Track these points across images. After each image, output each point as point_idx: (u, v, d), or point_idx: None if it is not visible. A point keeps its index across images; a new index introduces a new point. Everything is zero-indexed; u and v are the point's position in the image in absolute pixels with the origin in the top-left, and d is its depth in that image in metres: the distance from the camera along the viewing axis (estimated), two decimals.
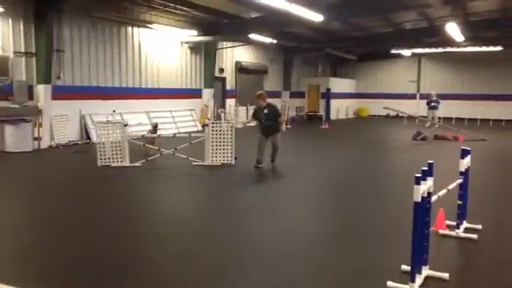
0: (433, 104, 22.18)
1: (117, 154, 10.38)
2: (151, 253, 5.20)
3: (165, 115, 17.67)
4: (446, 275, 4.43)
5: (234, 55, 22.11)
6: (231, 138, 10.75)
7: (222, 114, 20.10)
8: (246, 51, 23.02)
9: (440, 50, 25.01)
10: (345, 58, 28.89)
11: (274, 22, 17.31)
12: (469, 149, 5.79)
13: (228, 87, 21.98)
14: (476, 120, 25.36)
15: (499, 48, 23.80)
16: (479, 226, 5.95)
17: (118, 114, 15.36)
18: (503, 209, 7.46)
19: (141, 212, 7.03)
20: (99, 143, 10.43)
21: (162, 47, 18.13)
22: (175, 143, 11.06)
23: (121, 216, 6.73)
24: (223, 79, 21.61)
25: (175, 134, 12.97)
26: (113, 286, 4.34)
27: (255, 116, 10.76)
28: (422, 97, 27.09)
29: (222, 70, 21.23)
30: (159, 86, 18.12)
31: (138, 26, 16.88)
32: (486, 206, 7.42)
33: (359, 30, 22.45)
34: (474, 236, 5.64)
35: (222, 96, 21.56)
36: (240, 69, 22.53)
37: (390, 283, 4.19)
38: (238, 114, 21.59)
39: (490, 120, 25.50)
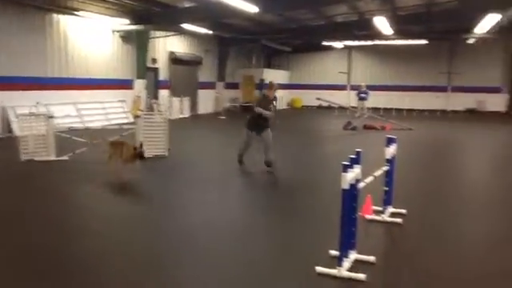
0: (362, 95, 22.97)
1: (41, 148, 9.87)
2: (87, 247, 5.02)
3: (95, 106, 17.04)
4: (372, 258, 4.60)
5: (167, 45, 21.67)
6: (165, 130, 10.56)
7: (155, 106, 19.68)
8: (180, 41, 22.64)
9: (369, 42, 25.90)
10: (279, 50, 29.19)
11: (209, 12, 17.12)
12: (394, 137, 6.04)
13: (161, 78, 21.55)
14: (402, 110, 26.55)
15: (424, 41, 25.05)
16: (404, 211, 6.23)
17: (44, 105, 14.60)
18: (427, 193, 7.87)
19: (68, 208, 6.73)
20: (22, 136, 9.87)
21: (92, 36, 17.42)
22: (105, 135, 10.69)
23: (46, 212, 6.40)
24: (156, 70, 21.15)
25: (105, 125, 12.54)
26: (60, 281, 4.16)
27: (261, 106, 9.21)
28: (353, 88, 27.98)
29: (154, 61, 20.76)
30: (89, 76, 17.41)
31: (65, 14, 16.09)
32: (412, 191, 7.80)
33: (293, 22, 22.77)
34: (399, 220, 5.90)
35: (154, 87, 21.10)
36: (174, 59, 22.12)
37: (318, 268, 4.29)
38: (173, 105, 21.24)
39: (415, 110, 26.83)
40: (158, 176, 9.00)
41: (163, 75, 21.69)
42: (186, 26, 18.73)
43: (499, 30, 19.80)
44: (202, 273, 4.42)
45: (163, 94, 21.40)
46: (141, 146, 8.23)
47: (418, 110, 27.11)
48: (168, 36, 21.05)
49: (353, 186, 4.32)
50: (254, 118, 9.29)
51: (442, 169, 10.38)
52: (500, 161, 11.83)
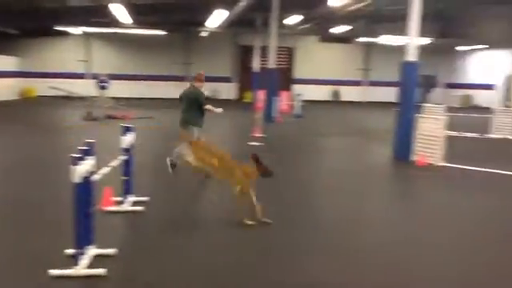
0: (103, 84, 22.43)
1: None
2: None
3: None
4: (112, 251, 4.47)
5: None
6: None
7: None
8: None
9: (109, 30, 25.33)
10: (3, 33, 25.82)
11: None
12: (131, 126, 6.00)
13: None
14: (144, 99, 26.97)
15: (163, 32, 25.86)
16: (146, 198, 6.28)
17: None
18: (168, 179, 8.11)
19: None
20: None
21: None
22: None
23: None
24: None
25: None
26: None
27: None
28: (93, 77, 26.93)
29: None
30: None
31: None
32: (155, 178, 7.94)
33: (20, 2, 20.38)
34: (141, 208, 5.93)
35: None
36: None
37: (52, 271, 3.95)
38: None
39: (156, 99, 27.61)
40: None
41: None
42: None
43: (228, 25, 21.83)
44: None
45: None
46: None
47: (159, 98, 27.95)
48: None
49: (86, 179, 4.09)
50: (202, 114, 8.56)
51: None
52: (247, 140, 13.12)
